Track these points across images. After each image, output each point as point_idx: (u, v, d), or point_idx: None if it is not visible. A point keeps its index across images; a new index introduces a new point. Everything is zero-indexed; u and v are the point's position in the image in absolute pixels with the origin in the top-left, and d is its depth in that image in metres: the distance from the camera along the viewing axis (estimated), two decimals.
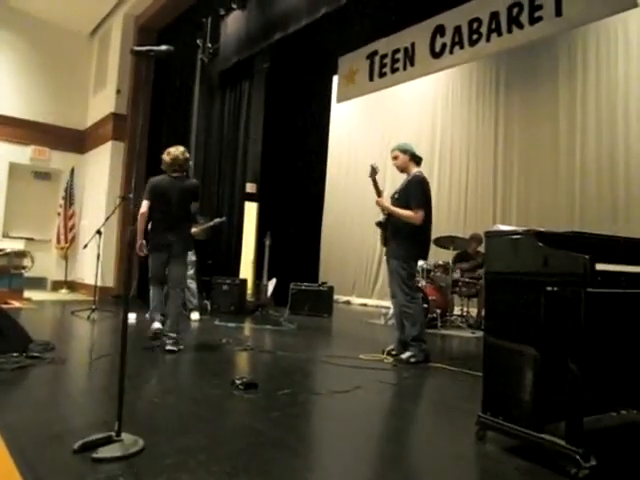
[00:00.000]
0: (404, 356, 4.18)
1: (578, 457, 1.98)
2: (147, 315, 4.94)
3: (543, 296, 2.17)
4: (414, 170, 4.37)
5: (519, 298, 2.30)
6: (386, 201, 4.35)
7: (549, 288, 2.15)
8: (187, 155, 4.54)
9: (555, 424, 2.16)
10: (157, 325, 4.48)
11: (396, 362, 4.13)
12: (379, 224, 4.44)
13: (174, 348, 4.28)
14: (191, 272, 6.43)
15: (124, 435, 2.10)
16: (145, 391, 3.11)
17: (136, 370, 3.62)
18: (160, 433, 2.34)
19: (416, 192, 4.21)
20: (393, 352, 4.39)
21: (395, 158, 4.39)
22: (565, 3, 5.53)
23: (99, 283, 6.67)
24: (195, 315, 6.41)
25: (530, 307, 2.23)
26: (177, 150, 4.47)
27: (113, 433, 2.09)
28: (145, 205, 4.36)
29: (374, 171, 4.37)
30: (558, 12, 5.61)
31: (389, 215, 4.32)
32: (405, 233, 4.18)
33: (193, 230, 5.35)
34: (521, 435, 2.22)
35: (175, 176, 4.43)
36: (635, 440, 2.56)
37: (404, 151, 4.38)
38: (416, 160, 4.41)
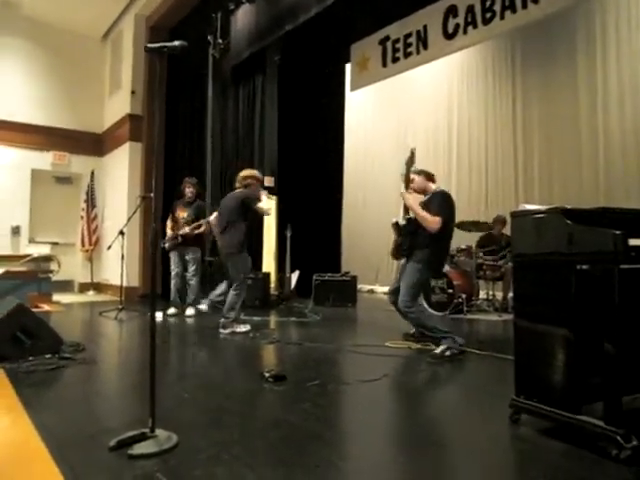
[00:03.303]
0: (438, 351, 3.89)
1: (619, 438, 1.93)
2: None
3: (573, 275, 2.12)
4: (433, 187, 4.22)
5: (548, 278, 2.25)
6: (413, 198, 4.11)
7: (579, 267, 2.10)
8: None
9: (591, 405, 2.11)
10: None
11: (430, 359, 3.83)
12: (395, 225, 4.18)
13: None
14: (193, 268, 6.42)
15: (158, 431, 2.12)
16: (176, 387, 3.13)
17: (166, 367, 3.66)
18: (193, 428, 2.36)
19: (441, 203, 4.04)
20: (415, 334, 4.36)
21: (412, 181, 4.20)
22: None
23: (124, 283, 6.75)
24: (190, 311, 6.40)
25: (560, 287, 2.18)
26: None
27: (147, 430, 2.11)
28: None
29: (413, 157, 4.13)
30: None
31: (409, 221, 4.10)
32: (430, 241, 4.00)
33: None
34: (557, 417, 2.18)
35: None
36: None
37: (418, 173, 4.20)
38: (431, 177, 4.25)
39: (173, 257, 6.47)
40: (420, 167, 4.28)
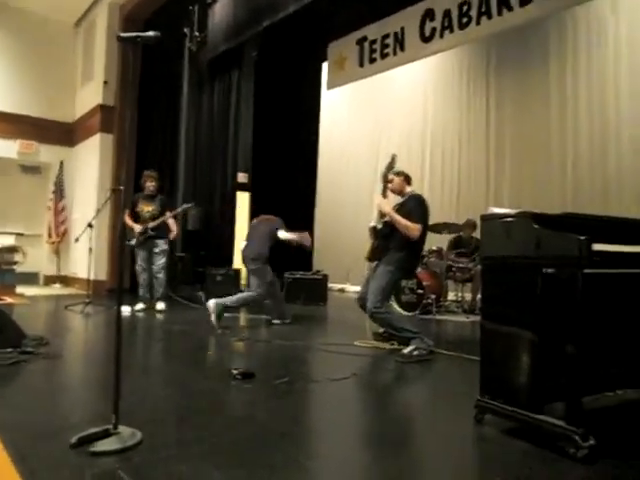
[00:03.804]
0: (406, 351, 3.92)
1: (577, 437, 1.98)
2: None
3: (540, 278, 2.16)
4: (408, 189, 4.32)
5: (515, 281, 2.29)
6: (388, 205, 4.18)
7: (546, 270, 2.14)
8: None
9: (553, 405, 2.16)
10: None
11: (399, 359, 3.85)
12: (373, 230, 4.23)
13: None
14: (162, 261, 6.33)
15: (121, 428, 2.08)
16: (142, 383, 3.08)
17: (132, 363, 3.60)
18: (158, 425, 2.32)
19: (416, 208, 4.12)
20: (385, 334, 4.38)
21: (390, 181, 4.29)
22: None
23: (92, 277, 6.62)
24: (161, 305, 6.32)
25: (526, 290, 2.22)
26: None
27: (110, 426, 2.07)
28: None
29: (393, 162, 4.20)
30: None
31: (385, 223, 4.15)
32: (404, 245, 4.07)
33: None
34: (520, 417, 2.22)
35: None
36: (632, 419, 2.58)
37: (397, 173, 4.29)
38: (408, 180, 4.36)
39: (141, 253, 6.31)
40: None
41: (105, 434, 2.04)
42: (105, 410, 2.20)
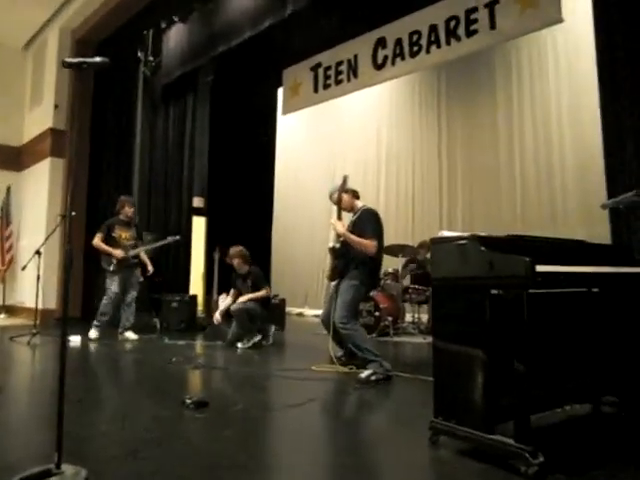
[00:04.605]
0: (363, 375, 3.89)
1: (527, 455, 2.02)
2: None
3: (488, 299, 2.21)
4: (359, 204, 4.38)
5: (465, 302, 2.34)
6: (342, 226, 4.20)
7: (493, 291, 2.20)
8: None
9: (505, 424, 2.20)
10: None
11: (357, 384, 3.81)
12: (332, 250, 4.26)
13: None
14: (138, 290, 6.21)
15: (65, 466, 1.97)
16: (90, 417, 2.95)
17: (81, 395, 3.45)
18: (106, 461, 2.23)
19: (369, 222, 4.18)
20: (343, 358, 4.37)
21: (340, 201, 4.30)
22: (499, 17, 5.79)
23: (40, 306, 6.35)
24: (132, 335, 6.14)
25: (476, 311, 2.27)
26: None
27: (52, 465, 1.96)
28: None
29: (345, 184, 4.23)
30: (492, 25, 5.87)
31: (342, 243, 4.18)
32: (363, 260, 4.12)
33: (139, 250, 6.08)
34: (473, 437, 2.24)
35: None
36: (578, 434, 2.65)
37: (345, 191, 4.30)
38: (357, 195, 4.41)
39: (117, 279, 6.05)
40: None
41: (46, 474, 1.92)
42: (49, 448, 2.09)
